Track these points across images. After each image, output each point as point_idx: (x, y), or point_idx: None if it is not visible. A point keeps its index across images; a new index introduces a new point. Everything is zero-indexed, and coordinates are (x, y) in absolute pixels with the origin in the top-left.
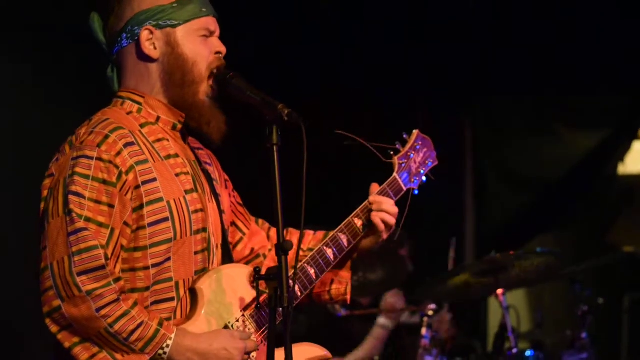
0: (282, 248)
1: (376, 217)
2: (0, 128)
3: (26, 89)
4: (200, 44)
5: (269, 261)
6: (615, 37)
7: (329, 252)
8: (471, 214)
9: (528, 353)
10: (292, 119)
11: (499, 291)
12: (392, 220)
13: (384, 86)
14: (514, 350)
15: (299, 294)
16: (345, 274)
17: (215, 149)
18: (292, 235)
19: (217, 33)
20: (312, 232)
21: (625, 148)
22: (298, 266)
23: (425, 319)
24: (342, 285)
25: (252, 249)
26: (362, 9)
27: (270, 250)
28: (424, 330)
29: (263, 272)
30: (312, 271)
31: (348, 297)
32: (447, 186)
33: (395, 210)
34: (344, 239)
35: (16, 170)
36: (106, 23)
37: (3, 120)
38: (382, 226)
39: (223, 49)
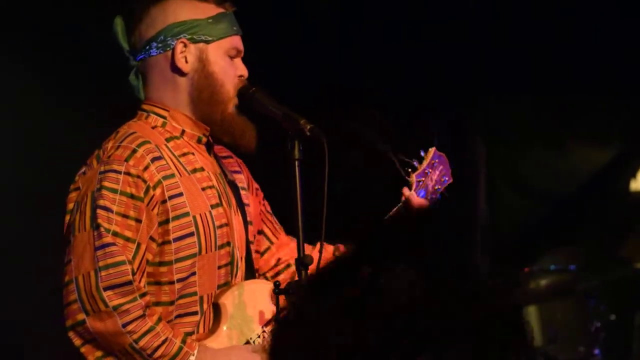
0: (302, 262)
1: None
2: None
3: (26, 89)
4: (228, 64)
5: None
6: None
7: None
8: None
9: None
10: (314, 134)
11: None
12: None
13: (386, 87)
14: None
15: None
16: None
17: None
18: (326, 249)
19: (242, 53)
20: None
21: (638, 164)
22: None
23: None
24: None
25: (279, 259)
26: (362, 9)
27: None
28: None
29: (283, 286)
30: None
31: None
32: (459, 200)
33: None
34: None
35: (16, 170)
36: (131, 29)
37: (2, 120)
38: None
39: (246, 72)
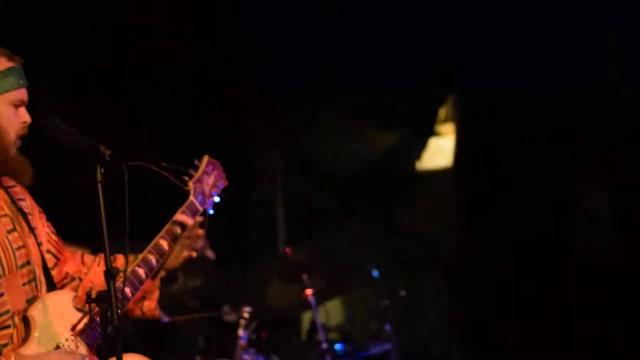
0: (110, 274)
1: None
2: None
3: None
4: (12, 113)
5: (87, 283)
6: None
7: (141, 272)
8: (281, 213)
9: (337, 346)
10: (114, 159)
11: (308, 292)
12: (199, 242)
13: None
14: (324, 345)
15: (130, 295)
16: (155, 291)
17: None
18: (117, 259)
19: (26, 102)
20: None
21: (421, 145)
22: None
23: (242, 320)
24: (152, 301)
25: (67, 273)
26: None
27: (86, 274)
28: (240, 331)
29: (94, 295)
30: (127, 290)
31: (157, 312)
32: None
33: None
34: (152, 259)
35: None
36: None
37: None
38: (197, 244)
39: (29, 119)
